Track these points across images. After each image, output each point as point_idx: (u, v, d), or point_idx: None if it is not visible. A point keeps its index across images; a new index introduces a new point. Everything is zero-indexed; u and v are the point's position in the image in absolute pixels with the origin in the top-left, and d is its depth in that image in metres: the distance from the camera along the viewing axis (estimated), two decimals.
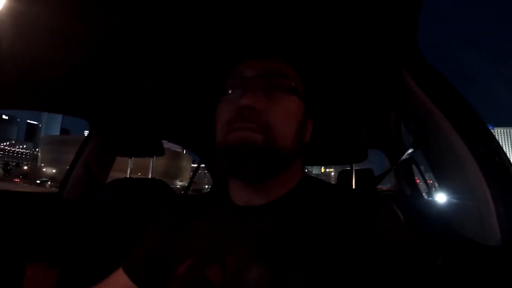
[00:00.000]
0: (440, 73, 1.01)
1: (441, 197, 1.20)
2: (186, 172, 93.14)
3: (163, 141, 2.35)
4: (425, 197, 2.69)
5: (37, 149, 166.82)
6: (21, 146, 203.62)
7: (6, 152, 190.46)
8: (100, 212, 1.92)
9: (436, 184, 1.24)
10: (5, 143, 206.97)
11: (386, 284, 0.65)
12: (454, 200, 1.02)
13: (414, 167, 2.73)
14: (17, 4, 1.00)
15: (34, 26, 1.09)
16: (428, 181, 2.86)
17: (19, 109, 1.87)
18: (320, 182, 0.86)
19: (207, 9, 1.02)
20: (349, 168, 1.70)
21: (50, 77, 1.51)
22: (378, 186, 1.53)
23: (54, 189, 11.55)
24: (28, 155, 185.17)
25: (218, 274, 0.70)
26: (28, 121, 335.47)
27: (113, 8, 1.02)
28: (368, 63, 1.15)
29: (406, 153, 1.17)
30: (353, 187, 1.69)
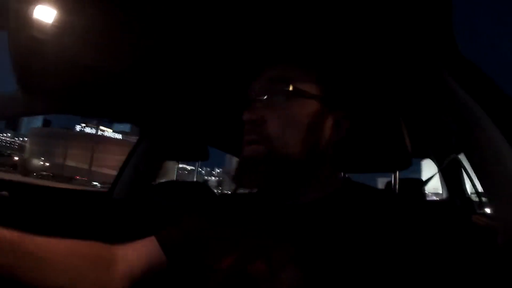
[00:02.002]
0: (481, 70, 0.97)
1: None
2: (171, 172, 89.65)
3: None
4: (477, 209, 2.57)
5: (20, 139, 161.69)
6: (3, 135, 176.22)
7: None
8: (147, 212, 1.98)
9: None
10: None
11: None
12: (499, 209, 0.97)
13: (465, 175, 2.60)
14: (68, 15, 1.05)
15: (85, 34, 1.14)
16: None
17: (70, 114, 1.94)
18: (366, 187, 0.85)
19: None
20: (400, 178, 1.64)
21: (102, 83, 1.58)
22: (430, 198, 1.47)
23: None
24: (13, 145, 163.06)
25: (262, 271, 0.71)
26: None
27: (157, 24, 1.07)
28: (405, 63, 1.12)
29: (450, 157, 1.13)
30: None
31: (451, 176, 2.56)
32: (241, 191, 0.97)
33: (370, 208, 0.75)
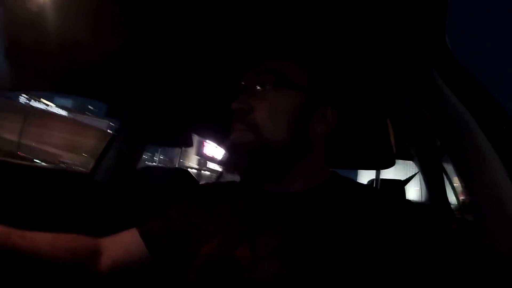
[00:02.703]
0: (471, 73, 0.98)
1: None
2: None
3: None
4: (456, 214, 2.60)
5: None
6: None
7: None
8: (128, 196, 1.96)
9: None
10: None
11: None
12: (482, 213, 0.97)
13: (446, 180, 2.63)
14: None
15: (79, 10, 1.12)
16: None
17: (55, 91, 1.92)
18: (352, 181, 0.88)
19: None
20: (381, 178, 1.66)
21: (91, 62, 1.54)
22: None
23: None
24: None
25: (247, 254, 0.72)
26: None
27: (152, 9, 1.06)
28: (396, 60, 1.12)
29: (432, 161, 1.14)
30: None
31: (432, 180, 2.58)
32: (223, 179, 0.99)
33: (357, 201, 0.77)
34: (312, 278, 0.66)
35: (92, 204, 1.96)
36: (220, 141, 3.05)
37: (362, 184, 0.91)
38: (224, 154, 0.85)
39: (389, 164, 1.37)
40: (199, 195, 0.96)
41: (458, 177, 1.09)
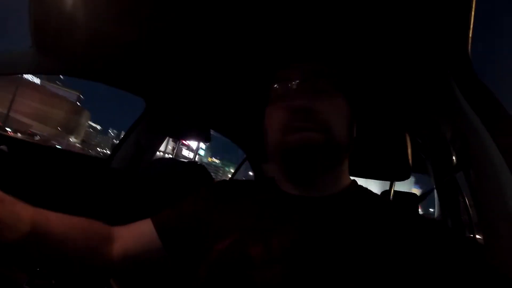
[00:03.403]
0: (492, 92, 0.98)
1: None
2: (82, 129, 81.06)
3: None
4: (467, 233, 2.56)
5: None
6: None
7: None
8: (142, 186, 1.99)
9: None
10: None
11: None
12: (491, 231, 0.96)
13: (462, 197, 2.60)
14: None
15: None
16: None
17: (79, 77, 1.94)
18: (369, 191, 0.88)
19: (257, 15, 1.09)
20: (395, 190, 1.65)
21: (115, 50, 1.60)
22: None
23: None
24: None
25: (262, 253, 0.72)
26: None
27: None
28: (418, 74, 1.13)
29: (449, 174, 1.14)
30: None
31: (446, 196, 2.56)
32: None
33: (373, 211, 0.78)
34: (322, 282, 0.66)
35: (108, 189, 2.00)
36: (236, 138, 3.08)
37: (378, 195, 0.91)
38: (281, 155, 0.83)
39: (405, 176, 1.37)
40: (216, 191, 0.95)
41: (471, 194, 1.08)
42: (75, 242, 0.81)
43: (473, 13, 0.89)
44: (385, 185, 1.96)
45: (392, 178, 1.49)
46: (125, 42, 1.47)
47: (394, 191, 1.84)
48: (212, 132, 2.48)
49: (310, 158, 0.78)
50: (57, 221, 0.80)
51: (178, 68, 1.65)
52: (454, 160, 1.14)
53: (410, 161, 1.32)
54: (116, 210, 1.93)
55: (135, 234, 0.90)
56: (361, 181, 0.93)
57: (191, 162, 2.24)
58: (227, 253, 0.76)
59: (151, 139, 2.39)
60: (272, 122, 0.85)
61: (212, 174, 2.14)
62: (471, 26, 0.91)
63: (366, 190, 0.87)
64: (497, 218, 0.91)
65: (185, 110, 2.28)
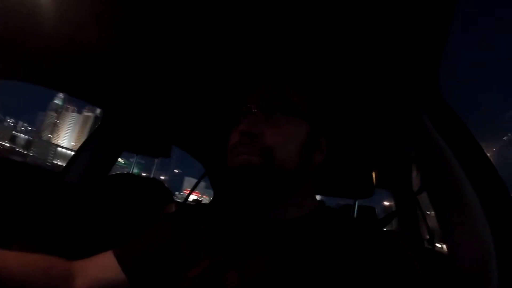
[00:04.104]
0: (458, 116, 1.00)
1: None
2: None
3: None
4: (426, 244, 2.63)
5: None
6: None
7: None
8: (100, 202, 1.91)
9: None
10: None
11: None
12: (456, 250, 0.99)
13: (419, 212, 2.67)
14: None
15: (69, 5, 1.10)
16: None
17: (34, 84, 1.86)
18: (335, 211, 0.87)
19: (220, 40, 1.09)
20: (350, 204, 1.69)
21: (71, 58, 1.52)
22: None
23: None
24: None
25: (234, 279, 0.71)
26: None
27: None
28: (385, 97, 1.15)
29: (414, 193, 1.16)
30: None
31: (406, 213, 2.62)
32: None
33: (341, 233, 0.77)
34: None
35: (63, 205, 1.91)
36: (200, 155, 3.04)
37: (345, 214, 0.91)
38: (230, 177, 0.82)
39: (368, 194, 1.40)
40: (181, 217, 0.93)
41: (435, 212, 1.10)
42: (35, 284, 0.76)
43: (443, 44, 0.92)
44: None
45: (356, 196, 1.51)
46: (83, 50, 1.41)
47: (358, 206, 1.87)
48: None
49: (249, 180, 0.79)
50: (15, 262, 0.75)
51: (139, 79, 1.60)
52: (418, 181, 1.16)
53: (374, 182, 1.35)
54: (72, 228, 1.85)
55: (98, 269, 0.86)
56: None
57: (149, 178, 2.17)
58: (200, 280, 0.74)
59: (108, 152, 2.30)
60: (229, 144, 0.86)
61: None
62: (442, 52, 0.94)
63: (333, 211, 0.86)
64: (463, 232, 0.93)
65: (145, 123, 2.22)
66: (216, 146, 2.47)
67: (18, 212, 1.71)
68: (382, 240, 0.76)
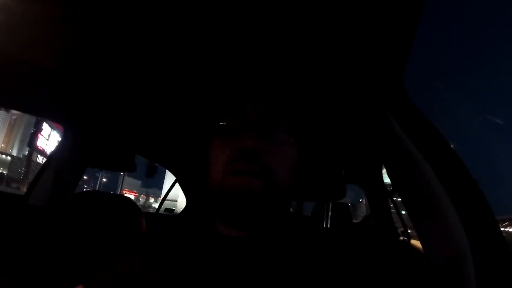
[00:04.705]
0: (425, 116, 1.00)
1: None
2: None
3: None
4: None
5: None
6: None
7: None
8: (64, 223, 1.83)
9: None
10: None
11: None
12: (430, 247, 0.99)
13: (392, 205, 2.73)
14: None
15: (15, 21, 1.05)
16: None
17: None
18: (307, 219, 0.86)
19: (215, 44, 1.04)
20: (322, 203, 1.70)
21: (24, 75, 1.46)
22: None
23: None
24: None
25: None
26: None
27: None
28: (354, 104, 1.15)
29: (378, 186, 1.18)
30: (329, 222, 1.67)
31: (379, 206, 2.67)
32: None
33: (315, 244, 0.75)
34: None
35: (27, 229, 1.82)
36: (169, 165, 2.99)
37: (315, 222, 0.89)
38: (219, 197, 0.76)
39: (341, 196, 1.41)
40: (150, 243, 0.87)
41: (407, 211, 1.11)
42: None
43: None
44: None
45: (330, 198, 1.52)
46: (40, 68, 1.35)
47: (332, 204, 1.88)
48: None
49: (247, 206, 0.72)
50: None
51: (98, 90, 1.54)
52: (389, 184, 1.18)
53: (345, 184, 1.37)
54: (38, 253, 1.78)
55: None
56: None
57: (118, 195, 2.10)
58: None
59: (71, 170, 2.21)
60: (216, 158, 0.78)
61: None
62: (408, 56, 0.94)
63: (304, 219, 0.85)
64: (436, 233, 0.94)
65: (107, 136, 2.15)
66: (187, 154, 2.43)
67: None
68: (359, 251, 0.74)
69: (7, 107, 1.90)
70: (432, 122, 0.98)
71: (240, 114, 0.81)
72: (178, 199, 58.82)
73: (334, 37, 0.93)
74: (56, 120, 2.11)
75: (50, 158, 2.18)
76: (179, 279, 0.75)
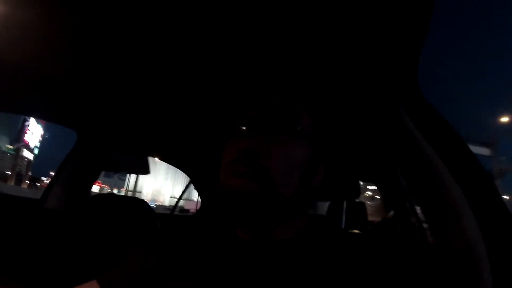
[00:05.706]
0: (440, 115, 0.98)
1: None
2: None
3: None
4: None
5: None
6: None
7: None
8: (80, 226, 1.85)
9: None
10: None
11: None
12: (445, 248, 0.97)
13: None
14: (5, 7, 0.97)
15: (23, 29, 1.06)
16: None
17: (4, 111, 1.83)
18: (326, 222, 0.84)
19: (222, 44, 1.04)
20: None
21: (39, 82, 1.48)
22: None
23: None
24: None
25: None
26: None
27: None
28: (367, 102, 1.14)
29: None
30: (344, 221, 1.68)
31: (394, 202, 2.63)
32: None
33: (334, 250, 0.73)
34: None
35: (44, 232, 1.84)
36: (183, 166, 3.00)
37: (338, 226, 0.87)
38: (220, 199, 0.74)
39: (356, 195, 1.41)
40: (164, 244, 0.87)
41: (423, 212, 1.09)
42: None
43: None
44: None
45: (345, 198, 1.52)
46: (50, 74, 1.37)
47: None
48: None
49: (241, 207, 0.71)
50: None
51: (112, 96, 1.56)
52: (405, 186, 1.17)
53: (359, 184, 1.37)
54: (54, 255, 1.80)
55: None
56: None
57: (132, 198, 2.11)
58: None
59: (86, 174, 2.23)
60: (224, 158, 0.78)
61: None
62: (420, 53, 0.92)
63: (323, 223, 0.82)
64: (452, 233, 0.92)
65: (121, 140, 2.16)
66: (201, 155, 2.44)
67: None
68: (374, 257, 0.73)
69: (21, 113, 1.92)
70: (448, 120, 0.96)
71: (247, 114, 0.80)
72: (143, 190, 63.02)
73: (347, 34, 0.92)
74: (70, 125, 2.13)
75: (65, 161, 2.20)
76: (190, 279, 0.75)
